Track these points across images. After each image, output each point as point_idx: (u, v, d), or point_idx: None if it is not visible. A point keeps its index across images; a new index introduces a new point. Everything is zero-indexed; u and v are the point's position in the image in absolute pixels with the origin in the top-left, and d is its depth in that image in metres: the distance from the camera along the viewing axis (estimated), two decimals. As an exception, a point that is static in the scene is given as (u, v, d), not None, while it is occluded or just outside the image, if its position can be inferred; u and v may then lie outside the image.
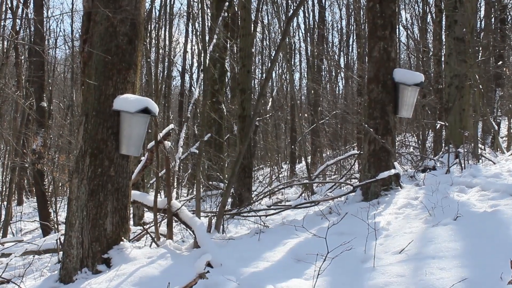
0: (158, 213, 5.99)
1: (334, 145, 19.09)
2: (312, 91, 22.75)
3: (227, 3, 12.56)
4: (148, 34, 17.41)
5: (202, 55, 8.26)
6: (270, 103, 23.57)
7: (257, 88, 23.01)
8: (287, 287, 3.75)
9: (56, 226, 10.88)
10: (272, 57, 23.94)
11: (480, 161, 8.93)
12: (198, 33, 19.45)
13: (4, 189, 14.67)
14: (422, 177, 7.61)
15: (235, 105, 13.77)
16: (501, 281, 3.22)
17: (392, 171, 6.67)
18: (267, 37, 27.68)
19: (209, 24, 13.44)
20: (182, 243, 6.25)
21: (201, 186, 9.18)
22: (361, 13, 19.41)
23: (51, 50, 24.90)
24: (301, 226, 5.49)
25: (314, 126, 19.92)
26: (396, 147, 8.06)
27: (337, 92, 27.04)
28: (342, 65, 26.72)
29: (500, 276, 3.25)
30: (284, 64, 24.13)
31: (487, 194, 5.91)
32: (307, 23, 27.07)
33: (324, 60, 24.74)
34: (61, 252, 5.90)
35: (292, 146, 22.43)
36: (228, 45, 14.61)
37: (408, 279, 3.53)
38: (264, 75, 25.51)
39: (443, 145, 11.53)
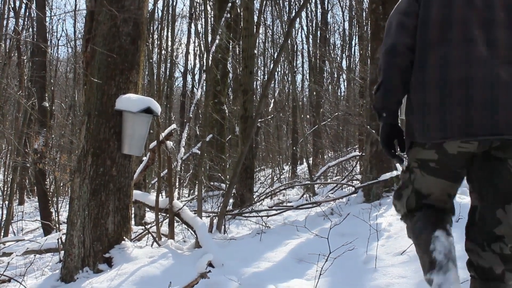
0: (159, 213, 6.00)
1: (335, 147, 19.09)
2: (314, 93, 22.74)
3: (229, 4, 12.57)
4: (151, 35, 17.44)
5: (205, 56, 8.27)
6: (272, 105, 23.57)
7: (259, 89, 23.02)
8: (288, 287, 3.75)
9: (57, 226, 10.89)
10: (274, 59, 23.95)
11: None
12: (200, 34, 19.47)
13: (5, 189, 14.69)
14: (424, 179, 7.61)
15: (237, 106, 13.78)
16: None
17: (394, 173, 6.67)
18: (270, 39, 27.73)
19: (212, 25, 13.46)
20: (183, 243, 6.25)
21: (203, 187, 9.18)
22: (364, 15, 19.41)
23: (53, 50, 24.92)
24: (303, 226, 5.50)
25: (316, 128, 19.90)
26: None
27: (339, 94, 27.04)
28: (344, 67, 26.72)
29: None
30: (286, 65, 24.15)
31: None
32: (309, 24, 27.10)
33: (326, 61, 24.73)
34: (62, 251, 5.90)
35: (294, 148, 22.42)
36: (231, 46, 14.62)
37: (410, 280, 3.53)
38: (266, 76, 25.53)
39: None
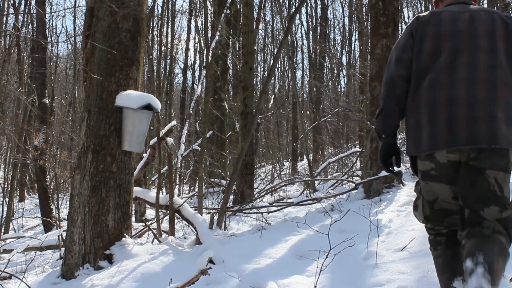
0: (160, 210, 6.00)
1: (336, 143, 19.07)
2: (314, 89, 22.72)
3: (229, 0, 12.54)
4: (150, 31, 17.41)
5: (205, 52, 8.25)
6: (272, 101, 23.55)
7: (259, 86, 23.00)
8: (289, 284, 3.74)
9: (58, 223, 10.88)
10: (274, 55, 23.91)
11: None
12: (200, 30, 19.46)
13: (6, 186, 14.68)
14: (424, 175, 7.60)
15: (237, 102, 13.76)
16: (503, 278, 3.22)
17: (395, 169, 6.65)
18: (270, 35, 27.70)
19: (211, 21, 13.43)
20: (184, 240, 6.25)
21: (203, 183, 9.17)
22: (363, 10, 19.37)
23: (53, 46, 24.90)
24: (304, 223, 5.50)
25: (316, 124, 19.89)
26: (399, 145, 8.06)
27: (339, 90, 27.00)
28: (344, 63, 26.68)
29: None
30: (286, 61, 24.12)
31: None
32: (309, 20, 27.07)
33: (326, 57, 24.69)
34: (63, 248, 5.91)
35: (294, 144, 22.41)
36: (231, 42, 14.59)
37: (410, 276, 3.54)
38: (266, 72, 25.50)
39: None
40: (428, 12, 2.81)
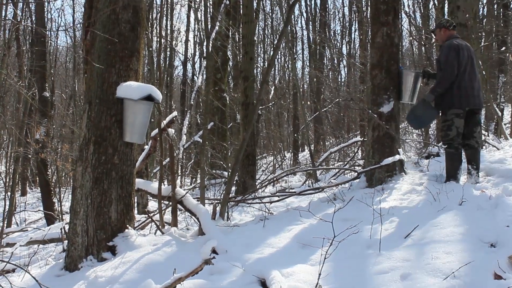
0: (162, 201, 5.99)
1: (337, 133, 19.05)
2: (315, 79, 22.68)
3: (229, -9, 12.50)
4: (150, 23, 17.36)
5: (205, 42, 8.23)
6: (272, 92, 23.51)
7: (259, 77, 22.94)
8: (293, 273, 3.74)
9: (60, 216, 10.90)
10: (274, 45, 23.82)
11: (484, 147, 8.90)
12: (200, 21, 19.42)
13: (7, 180, 14.69)
14: (426, 164, 7.59)
15: (238, 93, 13.74)
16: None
17: (397, 157, 6.63)
18: (270, 26, 27.60)
19: (211, 12, 13.39)
20: (186, 231, 6.25)
21: (205, 175, 9.16)
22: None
23: (52, 38, 24.83)
24: (307, 211, 5.49)
25: (317, 114, 19.87)
26: (400, 134, 8.01)
27: (339, 80, 26.95)
28: (345, 53, 26.60)
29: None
30: (286, 52, 24.06)
31: (492, 179, 5.93)
32: (309, 11, 26.98)
33: (326, 48, 24.61)
34: (66, 241, 5.91)
35: (295, 135, 22.39)
36: (230, 34, 14.56)
37: (414, 263, 3.53)
38: (266, 63, 25.42)
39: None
40: (455, 41, 6.01)
